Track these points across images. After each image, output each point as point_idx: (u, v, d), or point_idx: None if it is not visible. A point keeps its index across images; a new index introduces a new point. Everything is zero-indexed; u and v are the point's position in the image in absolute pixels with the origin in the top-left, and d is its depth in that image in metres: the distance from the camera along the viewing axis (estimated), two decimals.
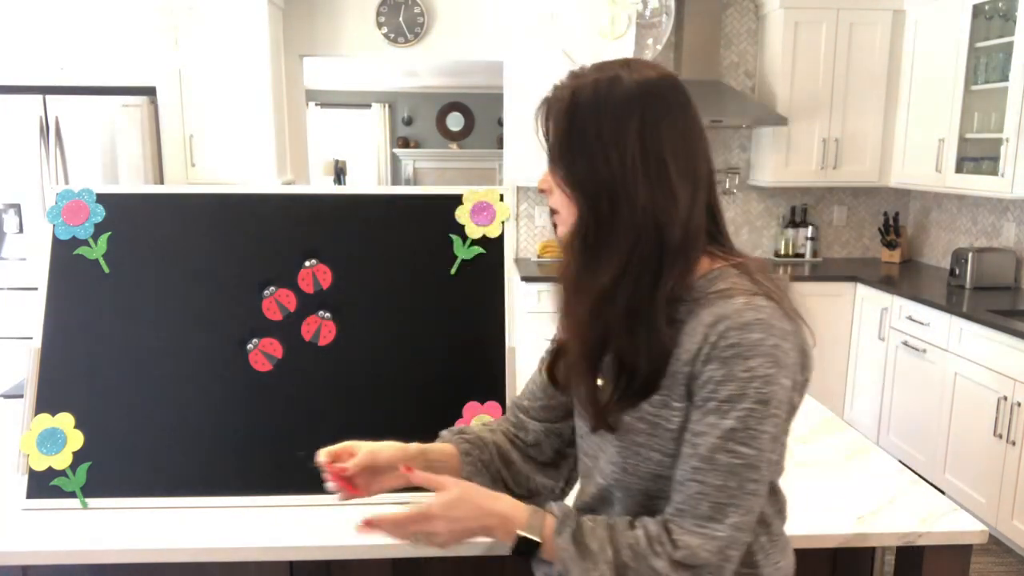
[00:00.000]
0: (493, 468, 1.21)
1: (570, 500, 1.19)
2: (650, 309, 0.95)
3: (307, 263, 1.57)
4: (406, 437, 1.62)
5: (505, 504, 1.02)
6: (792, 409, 0.99)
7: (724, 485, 0.91)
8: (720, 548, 0.91)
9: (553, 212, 1.06)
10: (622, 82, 0.97)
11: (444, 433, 1.24)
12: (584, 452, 1.15)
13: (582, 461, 1.16)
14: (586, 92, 0.98)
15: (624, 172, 0.95)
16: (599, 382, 1.03)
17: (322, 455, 1.11)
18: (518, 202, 4.71)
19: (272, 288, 1.56)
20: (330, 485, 1.12)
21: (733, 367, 0.91)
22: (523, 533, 0.98)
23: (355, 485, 1.13)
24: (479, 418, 1.53)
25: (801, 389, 0.99)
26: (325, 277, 1.57)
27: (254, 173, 3.94)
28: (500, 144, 7.79)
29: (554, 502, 1.05)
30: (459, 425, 1.31)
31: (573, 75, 1.01)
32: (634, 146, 0.95)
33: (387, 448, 1.15)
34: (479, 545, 1.24)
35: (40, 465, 1.49)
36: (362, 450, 1.13)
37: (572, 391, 1.12)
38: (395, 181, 9.80)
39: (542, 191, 1.05)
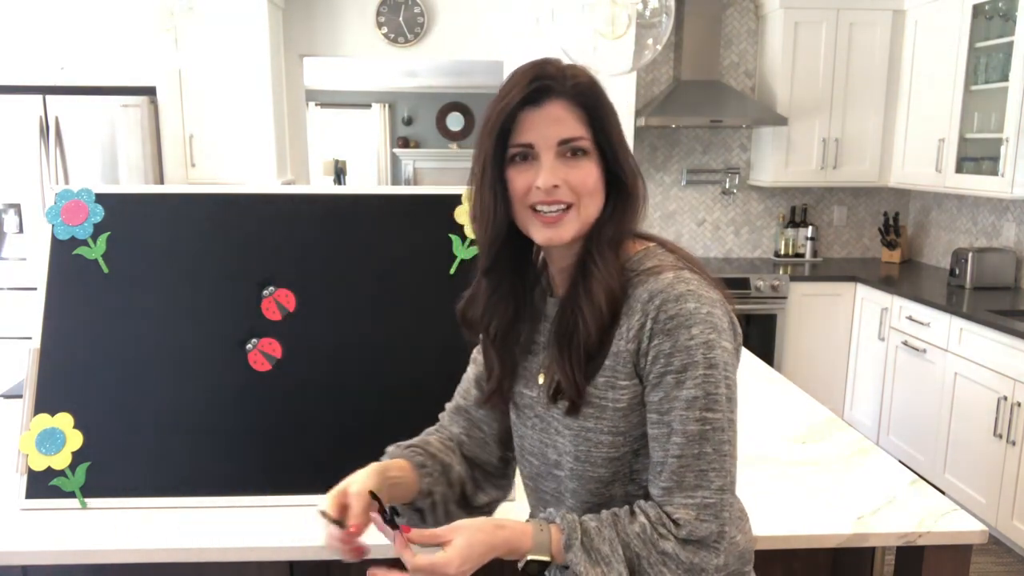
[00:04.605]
0: (452, 475, 1.18)
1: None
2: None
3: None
4: (405, 437, 1.61)
5: (509, 532, 0.99)
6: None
7: (701, 452, 0.95)
8: (715, 513, 0.95)
9: (567, 207, 1.00)
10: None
11: (391, 449, 1.19)
12: (529, 453, 1.13)
13: (527, 462, 1.15)
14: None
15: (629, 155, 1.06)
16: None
17: (329, 512, 1.03)
18: None
19: (272, 288, 1.56)
20: (348, 557, 1.05)
21: (678, 337, 0.96)
22: (533, 557, 0.98)
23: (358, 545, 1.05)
24: None
25: (734, 356, 1.02)
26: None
27: (254, 173, 3.93)
28: None
29: (555, 512, 1.02)
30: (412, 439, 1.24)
31: (569, 65, 1.03)
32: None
33: (359, 483, 1.05)
34: None
35: (39, 465, 1.49)
36: (352, 495, 1.03)
37: (548, 375, 1.08)
38: (395, 181, 9.78)
39: (556, 187, 0.98)
